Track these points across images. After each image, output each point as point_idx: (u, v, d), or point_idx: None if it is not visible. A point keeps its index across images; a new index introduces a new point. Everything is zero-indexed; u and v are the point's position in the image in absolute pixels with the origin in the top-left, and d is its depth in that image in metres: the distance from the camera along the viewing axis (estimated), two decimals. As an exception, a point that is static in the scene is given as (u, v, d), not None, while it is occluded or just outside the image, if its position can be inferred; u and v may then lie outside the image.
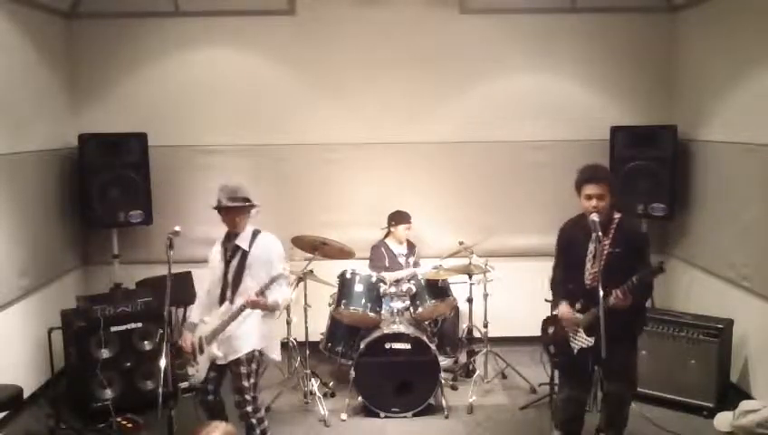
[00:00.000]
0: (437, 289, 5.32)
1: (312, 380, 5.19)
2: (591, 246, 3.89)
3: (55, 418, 4.75)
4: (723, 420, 4.61)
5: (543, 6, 6.09)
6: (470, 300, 5.63)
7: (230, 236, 4.12)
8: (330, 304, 5.43)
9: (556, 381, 4.70)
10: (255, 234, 4.11)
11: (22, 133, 5.16)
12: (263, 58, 6.15)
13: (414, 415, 4.95)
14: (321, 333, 5.51)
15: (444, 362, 5.30)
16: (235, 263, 4.06)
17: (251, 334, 4.03)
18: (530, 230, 5.97)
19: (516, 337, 5.89)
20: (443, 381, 5.09)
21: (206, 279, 4.25)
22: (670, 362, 4.96)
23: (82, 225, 5.90)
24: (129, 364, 5.01)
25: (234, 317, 3.96)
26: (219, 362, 4.06)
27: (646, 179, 5.71)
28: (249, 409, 4.04)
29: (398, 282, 5.41)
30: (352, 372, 4.97)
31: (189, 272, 5.59)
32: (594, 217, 3.80)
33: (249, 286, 4.00)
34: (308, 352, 5.21)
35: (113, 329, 4.96)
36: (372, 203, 6.12)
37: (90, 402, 4.87)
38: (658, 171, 5.67)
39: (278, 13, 6.09)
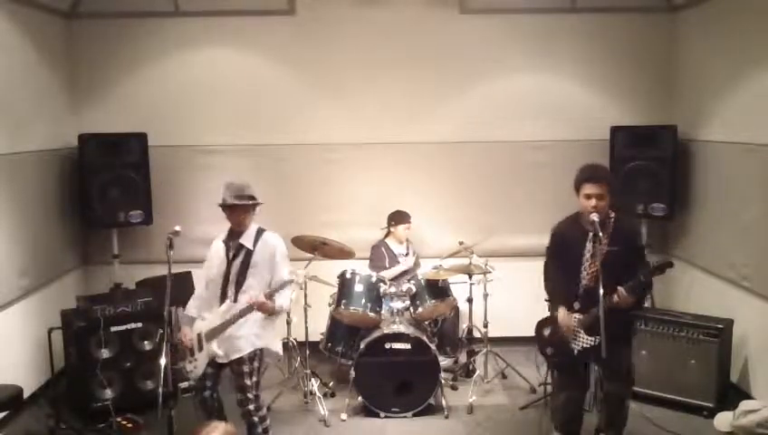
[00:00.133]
0: (437, 289, 5.32)
1: (312, 380, 5.19)
2: (589, 246, 3.89)
3: (55, 418, 4.75)
4: (723, 420, 4.62)
5: (543, 6, 6.09)
6: (470, 300, 5.63)
7: (233, 235, 4.11)
8: (330, 304, 5.43)
9: (549, 380, 4.69)
10: (260, 232, 4.10)
11: (22, 133, 5.16)
12: (263, 58, 6.15)
13: (414, 415, 4.95)
14: (321, 333, 5.51)
15: (444, 362, 5.30)
16: (238, 261, 4.05)
17: (253, 333, 4.03)
18: (530, 230, 5.96)
19: (516, 337, 5.88)
20: (443, 381, 5.09)
21: (203, 274, 4.23)
22: (670, 362, 4.96)
23: (82, 225, 5.90)
24: (129, 364, 5.01)
25: (239, 317, 3.96)
26: (220, 361, 4.06)
27: (646, 179, 5.71)
28: (251, 407, 4.04)
29: (398, 281, 5.41)
30: (352, 372, 4.97)
31: (189, 272, 5.58)
32: (594, 216, 3.80)
33: (252, 285, 4.01)
34: (308, 352, 5.21)
35: (113, 329, 4.95)
36: (372, 203, 6.11)
37: (90, 402, 4.87)
38: (658, 171, 5.67)
39: (278, 13, 6.09)
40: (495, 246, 5.80)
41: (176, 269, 3.83)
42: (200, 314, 4.16)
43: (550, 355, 4.29)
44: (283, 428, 4.82)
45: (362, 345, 5.03)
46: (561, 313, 3.99)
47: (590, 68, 6.15)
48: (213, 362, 4.07)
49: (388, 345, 4.97)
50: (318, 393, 5.10)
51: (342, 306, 5.21)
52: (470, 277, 5.51)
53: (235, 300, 4.02)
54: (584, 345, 3.97)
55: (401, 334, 4.98)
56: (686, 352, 4.91)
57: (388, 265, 5.65)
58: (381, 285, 5.28)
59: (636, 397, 4.87)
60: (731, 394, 4.94)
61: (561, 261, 4.09)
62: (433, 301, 5.26)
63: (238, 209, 4.03)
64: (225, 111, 6.14)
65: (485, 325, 5.51)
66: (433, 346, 5.01)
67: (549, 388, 4.83)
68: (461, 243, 5.51)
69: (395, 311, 5.22)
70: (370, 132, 6.17)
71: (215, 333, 4.02)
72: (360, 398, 4.99)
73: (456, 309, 5.78)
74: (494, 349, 5.67)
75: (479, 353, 5.60)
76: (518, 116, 6.19)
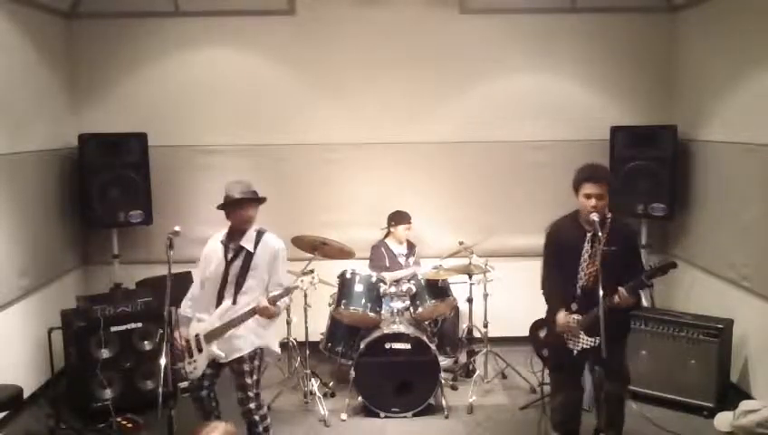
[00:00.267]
0: (437, 289, 5.32)
1: (312, 380, 5.19)
2: (587, 246, 3.89)
3: (55, 418, 4.75)
4: (723, 420, 4.62)
5: (543, 6, 6.09)
6: (470, 300, 5.63)
7: (233, 236, 4.08)
8: (330, 304, 5.43)
9: (546, 380, 4.69)
10: (260, 234, 4.08)
11: (22, 133, 5.16)
12: (263, 58, 6.15)
13: (414, 415, 4.95)
14: (321, 333, 5.51)
15: (444, 362, 5.30)
16: (237, 263, 4.02)
17: (253, 333, 4.03)
18: (530, 230, 5.94)
19: (516, 337, 5.85)
20: (443, 381, 5.09)
21: (197, 274, 4.20)
22: (670, 362, 4.96)
23: (82, 225, 5.90)
24: (129, 364, 5.01)
25: (241, 320, 3.95)
26: (221, 361, 4.05)
27: (646, 179, 5.71)
28: (252, 406, 4.04)
29: (398, 282, 5.42)
30: (352, 372, 4.97)
31: (189, 272, 5.52)
32: (594, 216, 3.79)
33: (252, 287, 4.00)
34: (308, 352, 5.21)
35: (113, 329, 4.95)
36: (372, 203, 6.12)
37: (90, 402, 4.87)
38: (658, 171, 5.67)
39: (278, 13, 6.09)
40: (495, 246, 5.80)
41: (176, 269, 3.83)
42: (195, 315, 4.13)
43: (546, 357, 4.28)
44: (283, 428, 4.82)
45: (362, 345, 5.03)
46: (561, 315, 3.98)
47: (590, 68, 6.15)
48: (212, 363, 4.07)
49: (388, 345, 4.97)
50: (318, 393, 5.10)
51: (342, 306, 5.21)
52: (470, 277, 5.51)
53: (235, 302, 4.01)
54: (583, 346, 3.97)
55: (401, 334, 4.98)
56: (686, 352, 4.91)
57: (388, 265, 5.65)
58: (381, 285, 5.28)
59: (636, 397, 4.88)
60: (731, 394, 4.94)
61: (557, 261, 4.09)
62: (433, 301, 5.26)
63: (246, 205, 4.01)
64: (225, 111, 6.14)
65: (485, 325, 5.51)
66: (433, 346, 5.01)
67: (546, 389, 4.84)
68: (461, 243, 5.51)
69: (395, 311, 5.22)
70: (370, 132, 6.17)
71: (215, 334, 4.00)
72: (359, 398, 4.99)
73: (456, 309, 5.78)
74: (494, 349, 5.67)
75: (479, 353, 5.60)
76: (518, 116, 6.19)
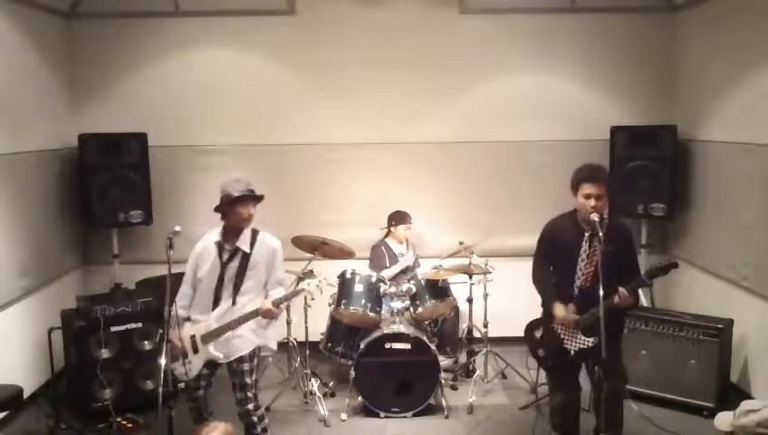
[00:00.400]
0: (437, 289, 5.32)
1: (312, 380, 5.20)
2: (585, 246, 3.89)
3: (55, 418, 4.75)
4: (723, 419, 4.60)
5: (543, 6, 6.09)
6: (470, 300, 5.63)
7: (229, 236, 4.04)
8: (330, 304, 5.43)
9: (543, 380, 4.70)
10: (255, 234, 4.06)
11: (22, 133, 5.16)
12: (263, 58, 6.15)
13: (414, 415, 4.95)
14: (321, 333, 5.51)
15: (444, 362, 5.30)
16: (234, 264, 4.00)
17: (252, 333, 4.03)
18: (530, 230, 5.87)
19: (516, 337, 5.83)
20: (443, 381, 5.09)
21: (188, 275, 4.12)
22: (670, 362, 4.96)
23: (82, 225, 5.90)
24: (129, 364, 5.01)
25: (241, 321, 3.95)
26: (220, 362, 4.05)
27: (646, 179, 5.71)
28: (251, 406, 4.04)
29: (398, 281, 5.41)
30: (352, 372, 4.97)
31: (189, 272, 5.59)
32: (594, 216, 3.80)
33: (250, 288, 4.00)
34: (308, 352, 5.21)
35: (113, 329, 4.95)
36: (372, 203, 6.12)
37: (90, 402, 4.87)
38: (658, 171, 5.67)
39: (278, 13, 6.09)
40: (495, 246, 5.80)
41: (176, 269, 3.82)
42: (190, 316, 4.10)
43: (542, 357, 4.28)
44: (283, 428, 4.82)
45: (362, 345, 5.03)
46: (559, 308, 3.98)
47: (590, 68, 6.15)
48: (209, 363, 4.06)
49: (388, 345, 4.97)
50: (318, 393, 5.10)
51: (342, 306, 5.21)
52: (470, 277, 5.51)
53: (234, 303, 3.99)
54: (581, 346, 3.97)
55: (401, 334, 4.98)
56: (686, 352, 4.91)
57: (388, 265, 5.65)
58: (381, 285, 5.28)
59: (636, 397, 4.88)
60: (731, 394, 4.94)
61: (554, 261, 4.08)
62: (433, 301, 5.26)
63: (247, 203, 3.98)
64: (225, 111, 6.14)
65: (485, 325, 5.52)
66: (433, 346, 5.00)
67: (542, 390, 4.84)
68: (461, 243, 5.51)
69: (395, 311, 5.22)
70: (370, 132, 6.17)
71: (213, 335, 3.99)
72: (360, 398, 4.99)
73: (456, 309, 5.78)
74: (494, 349, 5.67)
75: (479, 353, 5.60)
76: (518, 116, 6.19)
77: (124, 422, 4.81)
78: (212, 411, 4.17)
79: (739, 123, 5.11)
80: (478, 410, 5.06)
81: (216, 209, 4.05)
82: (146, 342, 5.08)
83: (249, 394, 4.03)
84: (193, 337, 4.03)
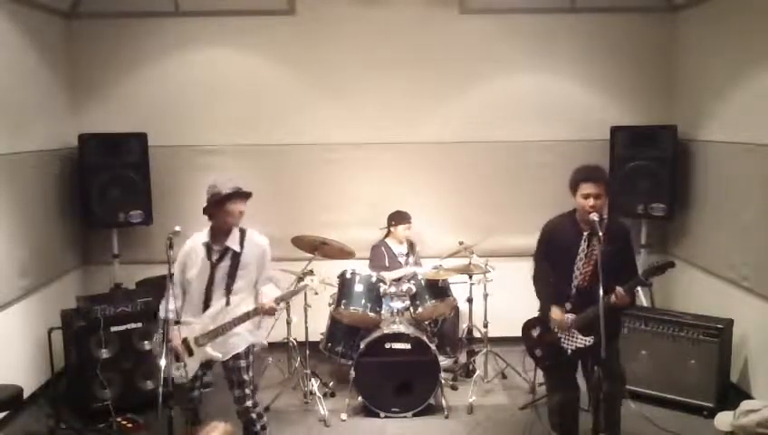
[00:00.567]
0: (437, 289, 5.32)
1: (312, 380, 5.20)
2: (583, 245, 3.90)
3: (55, 418, 4.76)
4: (723, 419, 4.60)
5: (543, 6, 6.09)
6: (470, 300, 5.63)
7: (218, 237, 4.00)
8: (330, 304, 5.43)
9: (540, 380, 4.70)
10: (243, 233, 4.05)
11: (22, 133, 5.16)
12: (263, 58, 6.15)
13: (414, 415, 4.95)
14: (321, 333, 5.51)
15: (444, 362, 5.30)
16: (225, 264, 3.98)
17: (246, 330, 4.05)
18: (530, 230, 5.87)
19: (516, 337, 5.82)
20: (443, 381, 5.09)
21: (176, 277, 4.02)
22: (670, 362, 4.96)
23: (82, 225, 5.91)
24: (129, 364, 5.01)
25: (241, 320, 3.95)
26: (218, 360, 4.05)
27: (646, 179, 5.71)
28: (249, 403, 4.05)
29: (398, 281, 5.41)
30: (352, 372, 4.97)
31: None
32: (594, 216, 3.80)
33: (242, 287, 4.00)
34: (308, 352, 5.21)
35: (113, 329, 4.96)
36: (372, 203, 6.11)
37: (90, 402, 4.87)
38: (658, 171, 5.68)
39: (278, 13, 6.09)
40: (495, 246, 5.80)
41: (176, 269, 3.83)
42: (182, 319, 4.03)
43: (539, 357, 4.28)
44: (283, 428, 4.82)
45: (362, 345, 5.03)
46: (555, 311, 3.98)
47: (590, 68, 6.15)
48: (204, 364, 4.06)
49: (388, 345, 4.97)
50: (318, 393, 5.10)
51: (342, 306, 5.21)
52: (470, 277, 5.51)
53: (228, 303, 3.98)
54: (578, 345, 3.97)
55: (401, 334, 4.98)
56: (686, 352, 4.91)
57: (388, 265, 5.65)
58: (381, 285, 5.28)
59: (636, 397, 4.88)
60: (731, 394, 4.94)
61: (552, 260, 4.09)
62: (433, 301, 5.26)
63: (238, 200, 3.97)
64: (225, 111, 6.14)
65: (485, 325, 5.51)
66: (433, 346, 5.00)
67: (540, 390, 4.84)
68: (461, 243, 5.51)
69: (395, 311, 5.22)
70: (370, 132, 6.17)
71: (210, 336, 3.97)
72: (360, 398, 4.99)
73: (456, 309, 5.78)
74: (494, 349, 5.67)
75: (479, 353, 5.60)
76: (518, 116, 6.19)
77: (124, 422, 4.81)
78: (207, 412, 4.18)
79: (739, 123, 5.11)
80: (478, 410, 5.06)
81: (206, 210, 4.02)
82: (146, 342, 5.07)
83: (247, 391, 4.04)
84: (186, 339, 3.98)
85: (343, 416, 4.95)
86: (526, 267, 4.28)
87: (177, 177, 6.15)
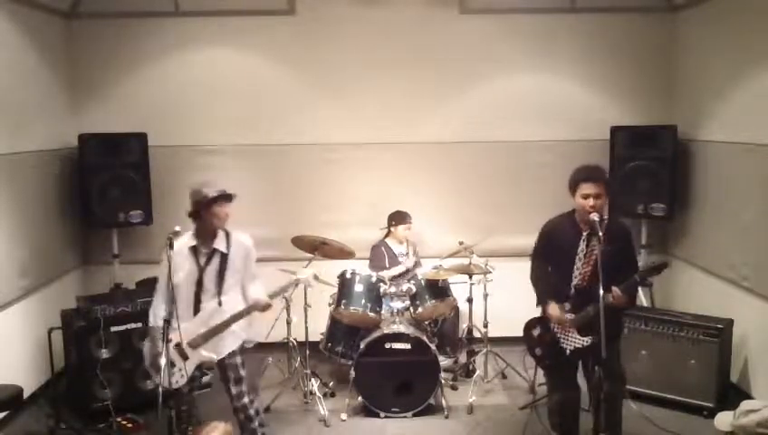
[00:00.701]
0: (437, 289, 5.32)
1: (312, 380, 5.19)
2: (582, 245, 3.90)
3: (55, 418, 4.75)
4: (723, 419, 4.60)
5: (543, 6, 6.09)
6: (470, 300, 5.63)
7: (205, 239, 4.01)
8: (330, 304, 5.43)
9: (540, 380, 4.69)
10: (228, 233, 4.07)
11: (22, 133, 5.16)
12: (263, 58, 6.15)
13: (414, 415, 4.95)
14: (321, 333, 5.51)
15: (444, 362, 5.30)
16: (213, 266, 3.99)
17: (238, 328, 4.07)
18: (530, 230, 5.87)
19: (516, 337, 5.82)
20: (443, 381, 5.09)
21: (163, 283, 3.98)
22: (670, 362, 4.96)
23: (82, 225, 5.90)
24: (129, 364, 5.00)
25: (237, 318, 3.97)
26: (214, 361, 4.06)
27: (646, 179, 5.71)
28: (247, 400, 4.08)
29: (398, 281, 5.41)
30: (352, 372, 4.97)
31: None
32: (594, 216, 3.80)
33: (231, 286, 4.02)
34: (308, 352, 5.21)
35: (113, 329, 4.95)
36: (372, 203, 6.12)
37: (90, 402, 4.87)
38: (658, 171, 5.68)
39: (278, 13, 6.09)
40: (495, 246, 5.79)
41: (176, 269, 3.83)
42: (172, 325, 3.93)
43: (539, 356, 4.28)
44: (283, 428, 4.82)
45: (362, 345, 5.03)
46: (552, 307, 3.98)
47: (590, 68, 6.15)
48: (199, 365, 4.07)
49: (388, 345, 4.96)
50: (318, 393, 5.10)
51: (342, 306, 5.21)
52: (470, 277, 5.51)
53: (219, 304, 3.98)
54: (576, 345, 3.97)
55: (401, 334, 4.98)
56: (686, 352, 4.91)
57: (388, 266, 5.65)
58: (381, 285, 5.28)
59: (636, 397, 4.88)
60: (731, 394, 4.94)
61: (551, 260, 4.09)
62: (433, 301, 5.26)
63: (224, 203, 3.99)
64: (225, 111, 6.14)
65: (485, 325, 5.51)
66: (433, 346, 5.00)
67: (541, 390, 4.84)
68: (461, 243, 5.51)
69: (395, 311, 5.22)
70: (370, 132, 6.17)
71: (204, 338, 3.97)
72: (360, 398, 4.99)
73: (456, 309, 5.78)
74: (494, 349, 5.67)
75: (479, 353, 5.60)
76: (518, 116, 6.19)
77: (124, 422, 4.81)
78: (207, 412, 4.19)
79: (739, 123, 5.11)
80: (478, 410, 5.06)
81: (191, 214, 4.01)
82: (146, 342, 5.07)
83: (244, 388, 4.07)
84: (178, 345, 3.95)
85: (343, 416, 4.95)
86: (526, 267, 4.28)
87: (177, 177, 6.13)
